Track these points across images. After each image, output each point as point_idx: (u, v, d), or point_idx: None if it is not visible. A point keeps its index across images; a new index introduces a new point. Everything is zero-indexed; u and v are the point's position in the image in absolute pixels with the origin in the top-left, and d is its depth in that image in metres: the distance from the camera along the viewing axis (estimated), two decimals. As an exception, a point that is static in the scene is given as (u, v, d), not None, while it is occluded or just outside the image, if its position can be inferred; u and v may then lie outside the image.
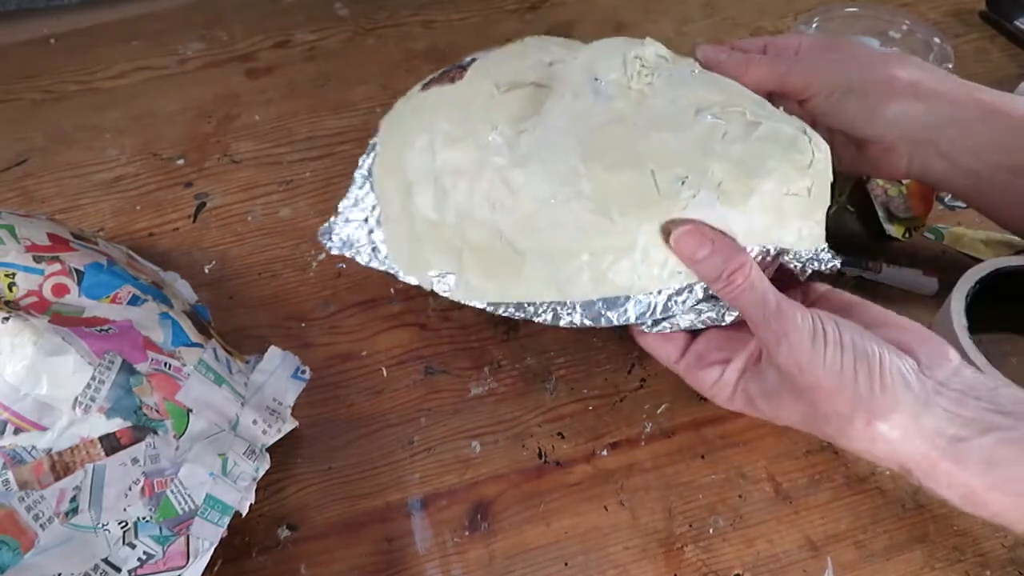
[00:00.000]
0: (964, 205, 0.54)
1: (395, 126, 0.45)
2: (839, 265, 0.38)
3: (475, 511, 0.42)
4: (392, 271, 0.43)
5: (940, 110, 0.42)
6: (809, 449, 0.44)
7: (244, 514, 0.38)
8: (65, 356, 0.35)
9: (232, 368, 0.42)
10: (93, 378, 0.36)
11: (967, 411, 0.32)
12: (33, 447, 0.35)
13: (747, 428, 0.44)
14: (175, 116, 0.63)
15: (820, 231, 0.39)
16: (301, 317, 0.50)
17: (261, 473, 0.40)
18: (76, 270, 0.41)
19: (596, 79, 0.40)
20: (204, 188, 0.58)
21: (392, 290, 0.51)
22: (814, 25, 0.62)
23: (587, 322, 0.38)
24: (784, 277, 0.38)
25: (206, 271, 0.53)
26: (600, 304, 0.37)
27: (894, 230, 0.52)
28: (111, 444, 0.36)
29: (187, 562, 0.36)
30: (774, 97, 0.45)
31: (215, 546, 0.37)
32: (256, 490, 0.39)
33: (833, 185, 0.40)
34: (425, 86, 0.45)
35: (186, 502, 0.37)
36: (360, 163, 0.46)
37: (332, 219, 0.45)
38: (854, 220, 0.54)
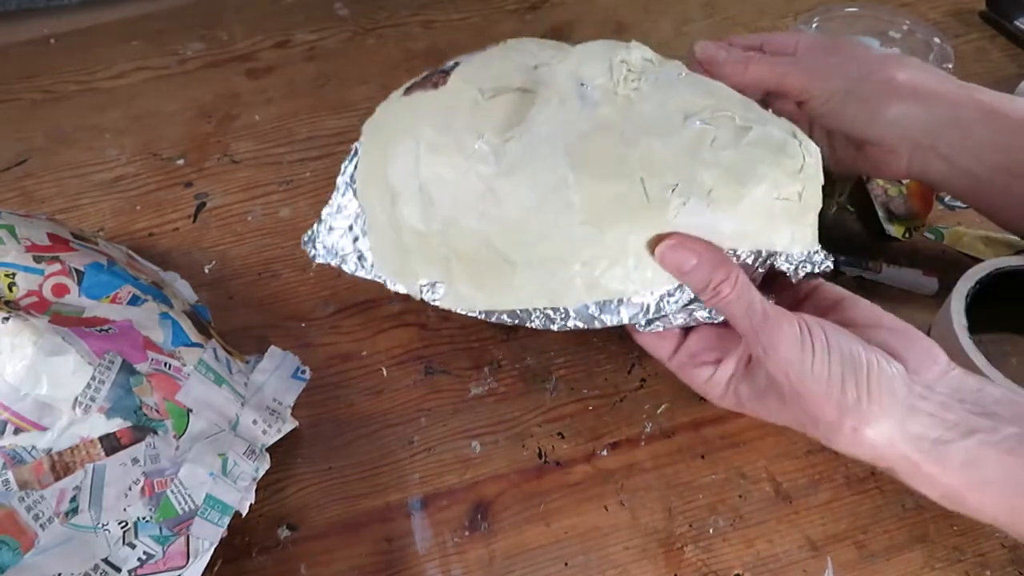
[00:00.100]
0: (964, 205, 0.54)
1: (377, 132, 0.44)
2: (832, 266, 0.38)
3: (475, 511, 0.42)
4: (379, 279, 0.42)
5: (940, 111, 0.42)
6: (809, 449, 0.44)
7: (244, 514, 0.38)
8: (65, 356, 0.36)
9: (232, 368, 0.42)
10: (93, 378, 0.36)
11: (951, 414, 0.33)
12: (33, 447, 0.35)
13: (747, 428, 0.44)
14: (175, 116, 0.63)
15: (812, 234, 0.39)
16: (301, 317, 0.50)
17: (261, 473, 0.40)
18: (76, 270, 0.41)
19: (582, 84, 0.39)
20: (204, 188, 0.58)
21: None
22: (814, 25, 0.62)
23: (580, 325, 0.38)
24: (777, 274, 0.38)
25: (206, 271, 0.53)
26: (593, 308, 0.37)
27: (894, 230, 0.52)
28: (111, 444, 0.36)
29: (187, 562, 0.36)
30: (771, 96, 0.45)
31: (215, 546, 0.37)
32: (256, 490, 0.39)
33: (830, 186, 0.40)
34: (407, 91, 0.43)
35: (186, 502, 0.37)
36: (342, 168, 0.44)
37: (315, 226, 0.43)
38: (854, 220, 0.54)
